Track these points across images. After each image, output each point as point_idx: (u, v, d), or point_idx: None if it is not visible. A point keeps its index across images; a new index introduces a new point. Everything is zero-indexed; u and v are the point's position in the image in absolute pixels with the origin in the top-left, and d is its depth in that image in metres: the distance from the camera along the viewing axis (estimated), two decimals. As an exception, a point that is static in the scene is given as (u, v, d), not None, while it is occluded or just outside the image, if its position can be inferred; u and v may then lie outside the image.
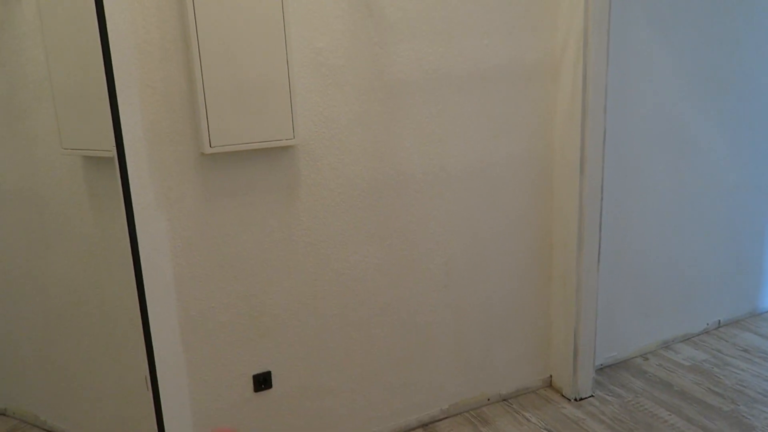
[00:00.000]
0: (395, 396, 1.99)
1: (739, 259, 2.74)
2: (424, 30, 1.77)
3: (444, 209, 1.92)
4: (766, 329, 2.71)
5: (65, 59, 1.52)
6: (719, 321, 2.74)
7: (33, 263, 1.65)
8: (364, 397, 1.93)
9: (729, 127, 2.52)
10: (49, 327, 1.68)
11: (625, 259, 2.38)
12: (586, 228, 2.05)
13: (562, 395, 2.21)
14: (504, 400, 2.20)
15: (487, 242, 2.03)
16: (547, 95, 2.02)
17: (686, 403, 2.15)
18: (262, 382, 1.74)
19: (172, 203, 1.53)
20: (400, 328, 1.94)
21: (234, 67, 1.47)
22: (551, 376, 2.27)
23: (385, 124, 1.77)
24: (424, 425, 2.05)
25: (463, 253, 1.99)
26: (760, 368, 2.38)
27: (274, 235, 1.68)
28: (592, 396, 2.21)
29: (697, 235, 2.56)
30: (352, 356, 1.88)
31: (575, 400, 2.18)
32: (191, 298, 1.61)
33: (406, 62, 1.76)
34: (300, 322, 1.77)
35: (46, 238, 1.61)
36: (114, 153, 1.43)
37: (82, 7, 1.41)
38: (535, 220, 2.11)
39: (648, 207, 2.39)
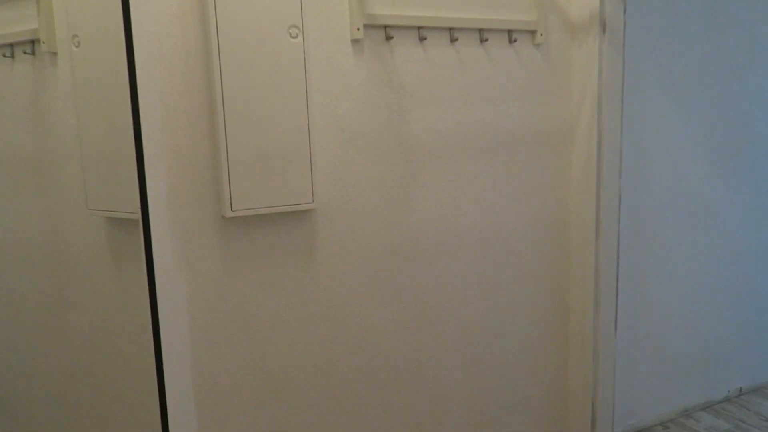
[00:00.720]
0: (408, 463, 1.94)
1: (759, 324, 2.69)
2: (440, 97, 1.82)
3: (459, 272, 1.92)
4: (790, 398, 2.63)
5: (95, 123, 1.58)
6: (740, 388, 2.67)
7: (53, 321, 1.66)
8: (376, 464, 1.89)
9: (744, 192, 2.53)
10: (64, 386, 1.67)
11: (643, 323, 2.35)
12: (603, 291, 2.04)
13: (581, 465, 2.15)
14: (520, 468, 2.13)
15: (502, 305, 2.02)
16: (562, 160, 2.05)
17: (710, 476, 2.08)
18: (274, 446, 1.71)
19: (192, 265, 1.55)
20: (414, 394, 1.91)
21: (257, 133, 1.52)
22: (569, 444, 2.21)
23: (402, 188, 1.80)
24: (438, 494, 1.99)
25: (478, 316, 1.98)
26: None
27: (291, 297, 1.68)
28: (612, 466, 2.14)
29: (716, 299, 2.53)
30: (366, 420, 1.85)
31: (594, 470, 2.11)
32: (207, 360, 1.60)
33: (423, 128, 1.80)
34: (314, 385, 1.75)
35: (67, 296, 1.63)
36: (138, 215, 1.46)
37: (114, 73, 1.48)
38: (551, 283, 2.10)
39: (666, 270, 2.37)
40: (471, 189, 1.90)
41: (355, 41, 1.68)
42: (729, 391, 2.63)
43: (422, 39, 1.76)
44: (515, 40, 1.90)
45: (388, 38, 1.72)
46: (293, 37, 1.55)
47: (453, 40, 1.80)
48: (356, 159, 1.72)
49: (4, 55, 1.36)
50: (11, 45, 1.35)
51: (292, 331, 1.70)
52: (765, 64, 2.49)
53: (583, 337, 2.09)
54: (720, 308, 2.55)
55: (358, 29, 1.66)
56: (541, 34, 1.93)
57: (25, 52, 1.38)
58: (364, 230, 1.76)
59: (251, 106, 1.51)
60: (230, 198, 1.50)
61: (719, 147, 2.43)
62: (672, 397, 2.47)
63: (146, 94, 1.43)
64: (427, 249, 1.86)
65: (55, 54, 1.41)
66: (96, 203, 1.59)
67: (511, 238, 2.00)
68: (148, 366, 1.47)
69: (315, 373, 1.75)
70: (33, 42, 1.38)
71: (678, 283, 2.42)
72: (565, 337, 2.16)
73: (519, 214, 2.00)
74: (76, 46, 1.42)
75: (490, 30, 1.85)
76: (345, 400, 1.80)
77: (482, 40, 1.85)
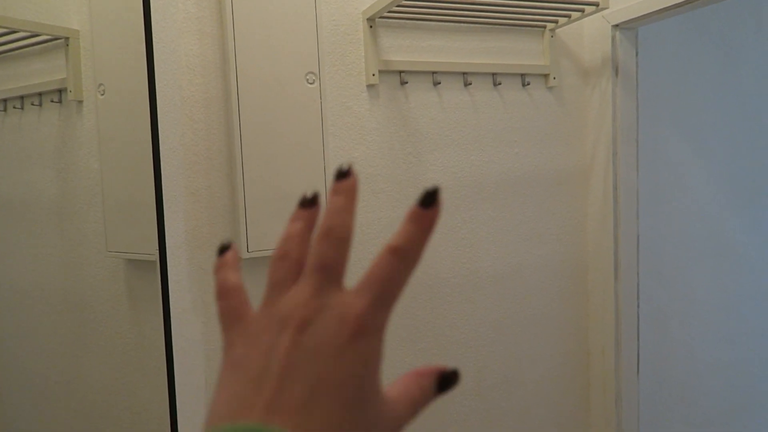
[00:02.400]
0: None
1: (789, 368, 2.60)
2: (455, 139, 1.84)
3: (476, 314, 1.90)
4: (825, 447, 2.52)
5: (117, 167, 1.62)
6: (773, 436, 2.56)
7: (69, 364, 1.67)
8: None
9: (766, 233, 2.49)
10: (79, 427, 1.67)
11: (668, 368, 2.28)
12: (623, 333, 1.99)
13: None
14: None
15: (520, 348, 1.98)
16: (578, 201, 2.05)
17: None
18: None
19: (208, 306, 1.56)
20: (431, 439, 1.86)
21: (274, 176, 1.55)
22: (593, 494, 2.13)
23: (418, 229, 1.80)
24: None
25: (495, 359, 1.95)
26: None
27: (306, 338, 1.67)
28: None
29: (743, 344, 2.46)
30: (381, 468, 1.80)
31: None
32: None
33: (437, 170, 1.82)
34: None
35: (83, 338, 1.64)
36: (156, 257, 1.49)
37: (137, 120, 1.53)
38: (571, 325, 2.06)
39: (689, 312, 2.32)
40: (486, 231, 1.90)
41: (370, 86, 1.72)
42: (760, 440, 2.53)
43: (436, 83, 1.79)
44: (528, 84, 1.93)
45: (403, 83, 1.75)
46: (310, 83, 1.60)
47: (467, 84, 1.84)
48: (372, 201, 1.74)
49: (33, 104, 1.42)
50: (40, 94, 1.41)
51: (307, 374, 1.68)
52: (781, 105, 2.49)
53: (605, 380, 2.04)
54: (750, 352, 2.48)
55: (373, 75, 1.71)
56: (554, 78, 1.96)
57: (52, 101, 1.43)
58: (380, 272, 1.76)
59: (269, 150, 1.54)
60: (247, 239, 1.52)
61: (738, 187, 2.41)
62: (700, 445, 2.38)
63: (167, 139, 1.47)
64: (444, 291, 1.85)
65: (81, 102, 1.46)
66: (116, 245, 1.62)
67: (529, 280, 1.98)
68: (162, 409, 1.46)
69: (330, 417, 1.72)
70: (60, 91, 1.43)
71: (701, 325, 2.36)
72: (587, 381, 2.11)
73: (536, 255, 1.98)
74: (102, 94, 1.48)
75: (503, 74, 1.88)
76: (360, 445, 1.76)
77: (495, 84, 1.88)
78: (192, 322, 1.53)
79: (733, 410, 2.46)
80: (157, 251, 1.49)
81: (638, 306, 2.02)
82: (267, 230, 1.55)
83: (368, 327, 0.29)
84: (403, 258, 0.31)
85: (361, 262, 1.73)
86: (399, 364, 1.80)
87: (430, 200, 0.32)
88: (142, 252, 1.55)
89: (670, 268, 2.26)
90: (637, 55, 1.98)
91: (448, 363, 1.83)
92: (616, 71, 1.94)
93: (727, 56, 2.35)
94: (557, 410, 2.06)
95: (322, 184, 1.60)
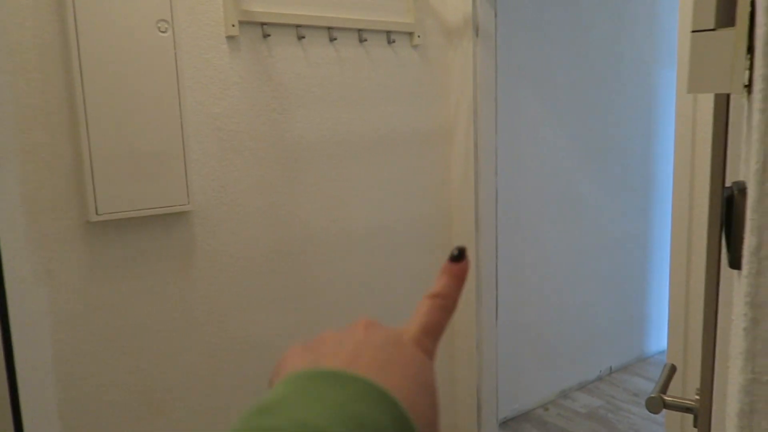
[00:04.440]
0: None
1: (625, 308, 2.93)
2: (321, 96, 1.81)
3: (348, 271, 1.93)
4: (652, 373, 2.90)
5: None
6: (611, 367, 2.90)
7: None
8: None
9: (609, 186, 2.75)
10: None
11: (522, 313, 2.48)
12: (484, 283, 2.13)
13: (469, 452, 2.23)
14: (412, 461, 2.17)
15: (391, 303, 2.05)
16: (442, 159, 2.12)
17: (585, 451, 2.23)
18: (155, 464, 1.62)
19: (53, 275, 1.43)
20: (304, 395, 1.88)
21: (124, 132, 1.43)
22: (458, 433, 2.29)
23: (286, 188, 1.77)
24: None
25: (368, 315, 1.99)
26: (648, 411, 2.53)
27: (169, 304, 1.60)
28: (498, 451, 2.24)
29: (587, 287, 2.73)
30: (253, 428, 1.79)
31: (482, 456, 2.20)
32: (75, 377, 1.48)
33: (305, 127, 1.79)
34: (199, 396, 1.68)
35: None
36: (-14, 223, 1.33)
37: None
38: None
39: (542, 263, 2.52)
40: (356, 188, 1.91)
41: (230, 38, 1.63)
42: (601, 371, 2.85)
43: (300, 37, 1.75)
44: (394, 41, 1.94)
45: (266, 36, 1.69)
46: (162, 32, 1.48)
47: (332, 39, 1.81)
48: (235, 159, 1.67)
49: None
50: None
51: (171, 341, 1.62)
52: (622, 71, 2.73)
53: (467, 329, 2.17)
54: (591, 295, 2.76)
55: (233, 26, 1.62)
56: (419, 36, 1.98)
57: None
58: (247, 232, 1.71)
59: (117, 104, 1.42)
60: (95, 201, 1.40)
61: (585, 145, 2.63)
62: (550, 380, 2.63)
63: (-8, 89, 1.30)
64: (314, 249, 1.85)
65: None
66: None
67: (399, 236, 2.03)
68: (1, 385, 1.33)
69: (198, 383, 1.67)
70: None
71: (553, 273, 2.58)
72: (452, 330, 2.23)
73: (404, 211, 2.04)
74: None
75: (368, 30, 1.88)
76: (232, 409, 1.74)
77: (361, 40, 1.87)
78: (34, 292, 1.40)
79: (579, 348, 2.74)
80: (-12, 216, 1.33)
81: (497, 257, 2.16)
82: (119, 191, 1.44)
83: (421, 344, 0.32)
84: (441, 304, 0.35)
85: (230, 218, 1.67)
86: (272, 326, 1.78)
87: (459, 257, 0.37)
88: (-31, 218, 1.38)
89: (525, 220, 2.44)
90: (496, 16, 2.06)
91: (320, 322, 1.83)
92: (477, 32, 2.01)
93: (577, 26, 2.53)
94: (425, 358, 2.16)
95: (179, 140, 1.51)
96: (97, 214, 1.41)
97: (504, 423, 2.43)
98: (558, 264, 2.59)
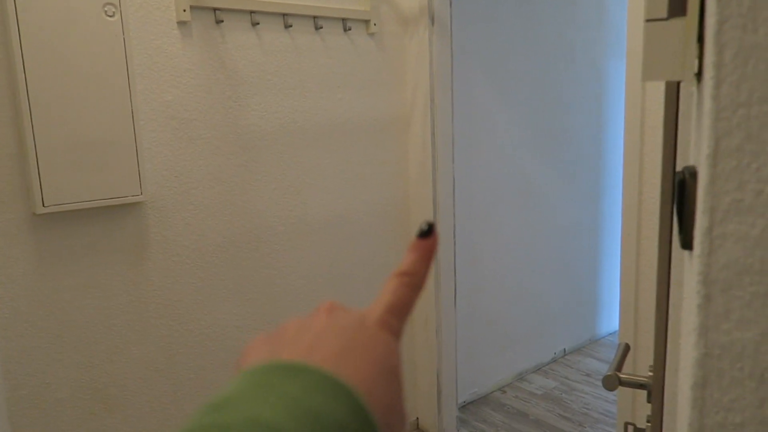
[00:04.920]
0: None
1: (578, 291, 3.02)
2: (276, 84, 1.79)
3: (305, 261, 1.92)
4: (603, 354, 3.00)
5: None
6: (565, 349, 2.99)
7: None
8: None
9: (561, 174, 2.82)
10: None
11: (480, 299, 2.53)
12: (442, 270, 2.15)
13: (429, 437, 2.26)
14: (373, 448, 2.19)
15: (349, 291, 2.05)
16: (400, 146, 2.13)
17: (541, 430, 2.30)
18: (110, 461, 1.58)
19: (-3, 270, 1.37)
20: (264, 386, 1.87)
21: (71, 120, 1.38)
22: (417, 418, 2.32)
23: (241, 177, 1.74)
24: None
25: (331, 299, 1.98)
26: (600, 390, 2.62)
27: (120, 298, 1.56)
28: (457, 434, 2.28)
29: (541, 272, 2.80)
30: (212, 421, 1.77)
31: (441, 440, 2.24)
32: (21, 375, 1.43)
33: (260, 115, 1.76)
34: (152, 390, 1.64)
35: None
36: None
37: None
38: (396, 266, 2.17)
39: (498, 248, 2.57)
40: (312, 177, 1.90)
41: (182, 23, 1.59)
42: (555, 353, 2.93)
43: (255, 24, 1.71)
44: (350, 29, 1.92)
45: (219, 22, 1.65)
46: (109, 16, 1.43)
47: (287, 26, 1.78)
48: (189, 148, 1.63)
49: None
50: None
51: (124, 336, 1.57)
52: (573, 61, 2.79)
53: (427, 315, 2.20)
54: (545, 280, 2.83)
55: (184, 11, 1.58)
56: (375, 24, 1.98)
57: None
58: (202, 223, 1.68)
59: (62, 91, 1.36)
60: (41, 192, 1.35)
61: (538, 134, 2.68)
62: (507, 363, 2.69)
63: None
64: (271, 239, 1.83)
65: None
66: None
67: (356, 224, 2.03)
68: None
69: (152, 377, 1.64)
70: None
71: (509, 258, 2.63)
72: (411, 318, 2.25)
73: (362, 200, 2.04)
74: None
75: (324, 17, 1.86)
76: (188, 402, 1.71)
77: (317, 27, 1.85)
78: (-23, 289, 1.34)
79: (535, 331, 2.81)
80: (-76, 209, 1.26)
81: (455, 243, 2.19)
82: (66, 182, 1.38)
83: (386, 324, 0.32)
84: (408, 282, 0.35)
85: (184, 208, 1.63)
86: (228, 318, 1.76)
87: (428, 232, 0.36)
88: None
89: (481, 207, 2.48)
90: (450, 5, 2.07)
91: (278, 313, 1.81)
92: (432, 20, 2.02)
93: (530, 16, 2.57)
94: (385, 346, 2.18)
95: (129, 129, 1.46)
96: (43, 206, 1.35)
97: (463, 407, 2.47)
98: (513, 250, 2.64)
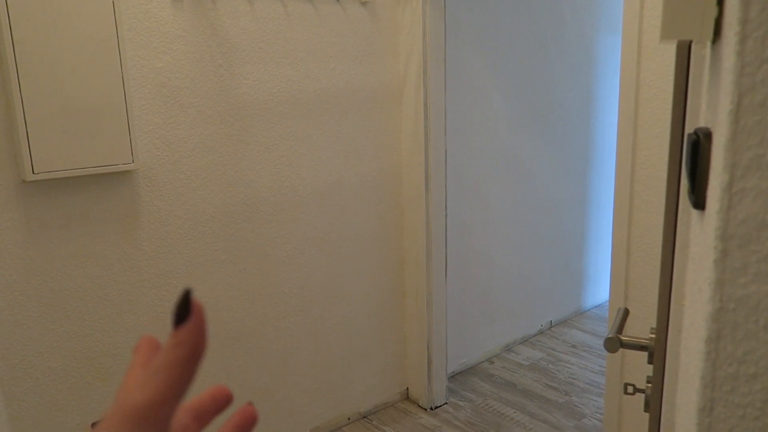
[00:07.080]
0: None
1: (565, 265, 3.06)
2: (269, 53, 1.76)
3: (297, 231, 1.91)
4: (588, 326, 3.05)
5: None
6: (551, 321, 3.03)
7: None
8: (220, 432, 1.84)
9: (551, 150, 2.82)
10: None
11: (470, 271, 2.55)
12: (433, 243, 2.16)
13: (419, 406, 2.30)
14: (364, 417, 2.22)
15: (341, 263, 2.05)
16: (392, 118, 2.11)
17: (528, 399, 2.35)
18: (104, 429, 1.59)
19: (-14, 238, 1.35)
20: (257, 357, 1.88)
21: (61, 87, 1.35)
22: (408, 388, 2.35)
23: (233, 146, 1.73)
24: (286, 453, 2.01)
25: (318, 275, 1.99)
26: (586, 361, 2.67)
27: (113, 267, 1.55)
28: (446, 403, 2.32)
29: (530, 245, 2.82)
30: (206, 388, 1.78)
31: (431, 409, 2.27)
32: (13, 344, 1.42)
33: (252, 84, 1.74)
34: (146, 359, 1.64)
35: None
36: None
37: None
38: (387, 238, 2.18)
39: (488, 222, 2.59)
40: (305, 148, 1.89)
41: (172, -12, 1.55)
42: (542, 325, 2.98)
43: (247, -10, 1.68)
44: (343, -3, 1.89)
45: (210, -13, 1.61)
46: (98, -21, 1.39)
47: (279, -7, 1.75)
48: (181, 117, 1.61)
49: None
50: None
51: (116, 305, 1.57)
52: (564, 36, 2.78)
53: (418, 287, 2.21)
54: (533, 254, 2.86)
55: (174, -25, 1.54)
56: (368, -8, 1.94)
57: None
58: (194, 192, 1.67)
59: (51, 56, 1.33)
60: (31, 159, 1.32)
61: (528, 108, 2.68)
62: (495, 335, 2.73)
63: None
64: (263, 209, 1.82)
65: None
66: None
67: (348, 196, 2.03)
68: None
69: (147, 346, 1.64)
70: None
71: (498, 232, 2.65)
72: (402, 288, 2.27)
73: (354, 172, 2.03)
74: None
75: (317, -15, 1.82)
76: (182, 371, 1.72)
77: (310, -5, 1.81)
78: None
79: (522, 304, 2.85)
80: None
81: (446, 217, 2.20)
82: (56, 149, 1.36)
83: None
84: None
85: (176, 177, 1.62)
86: (220, 287, 1.76)
87: (182, 313, 0.25)
88: None
89: (472, 182, 2.48)
90: (445, -25, 2.04)
91: (270, 283, 1.81)
92: (426, -10, 1.99)
93: (522, -16, 2.54)
94: (376, 319, 2.20)
95: (120, 96, 1.44)
96: (33, 173, 1.33)
97: (452, 377, 2.51)
98: (502, 223, 2.66)
